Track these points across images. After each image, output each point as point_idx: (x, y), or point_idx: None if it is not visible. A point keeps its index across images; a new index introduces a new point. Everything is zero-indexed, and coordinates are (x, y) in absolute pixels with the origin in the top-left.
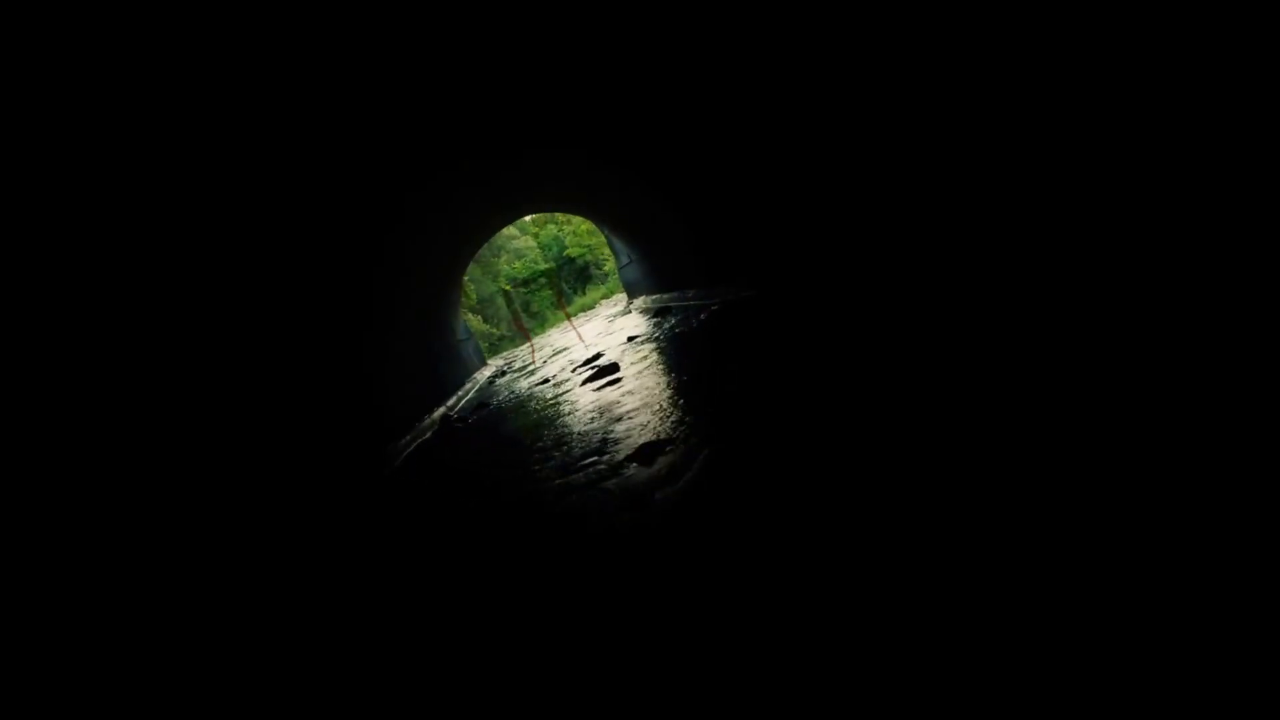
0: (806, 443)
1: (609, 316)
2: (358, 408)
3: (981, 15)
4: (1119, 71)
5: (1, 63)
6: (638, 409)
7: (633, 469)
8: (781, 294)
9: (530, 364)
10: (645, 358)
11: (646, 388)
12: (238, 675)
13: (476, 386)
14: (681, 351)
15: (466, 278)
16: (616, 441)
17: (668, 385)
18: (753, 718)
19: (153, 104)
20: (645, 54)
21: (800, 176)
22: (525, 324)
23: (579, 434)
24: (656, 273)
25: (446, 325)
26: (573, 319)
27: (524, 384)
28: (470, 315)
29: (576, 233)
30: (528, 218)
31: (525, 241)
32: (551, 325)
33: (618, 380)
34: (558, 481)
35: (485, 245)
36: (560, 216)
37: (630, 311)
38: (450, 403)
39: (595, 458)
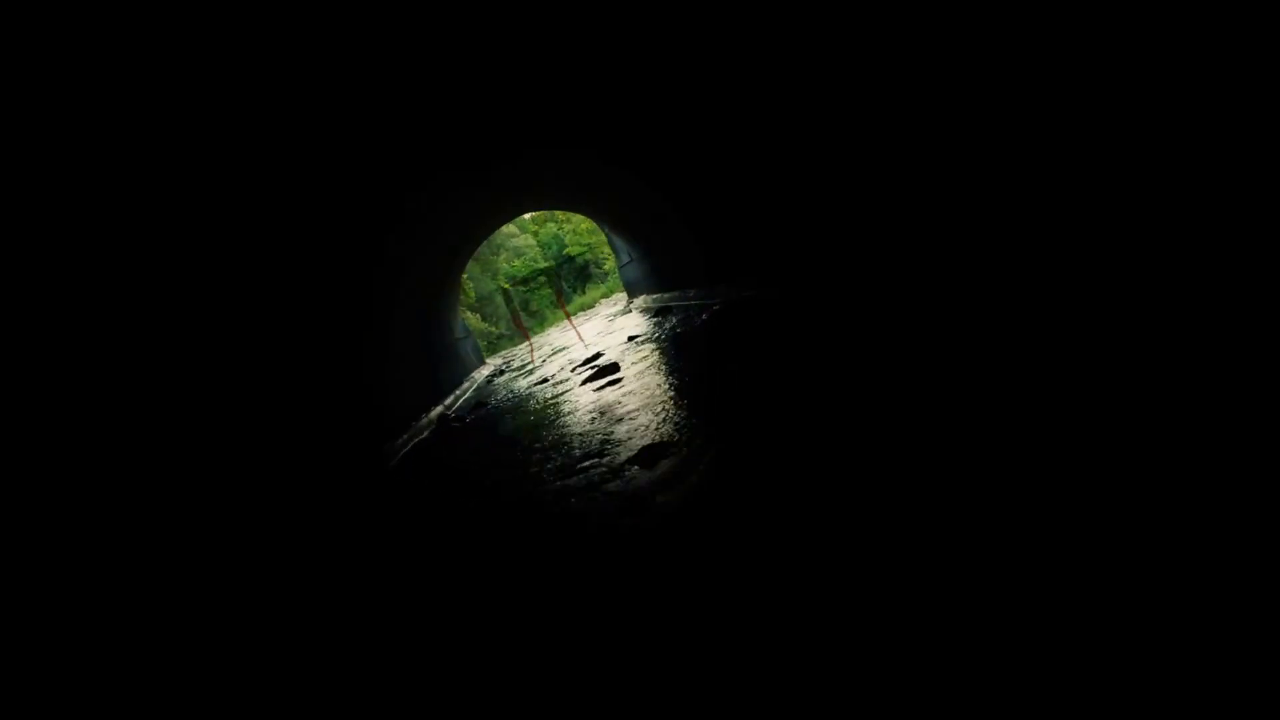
0: (813, 447)
1: (609, 316)
2: (353, 407)
3: (997, 14)
4: (1134, 78)
5: (3, 62)
6: (639, 410)
7: (634, 472)
8: (785, 294)
9: (529, 363)
10: (646, 358)
11: (648, 388)
12: (233, 674)
13: (475, 385)
14: (683, 352)
15: (465, 275)
16: (617, 443)
17: (669, 386)
18: None
19: (150, 102)
20: (647, 49)
21: (805, 175)
22: (524, 323)
23: (578, 435)
24: (657, 272)
25: (445, 323)
26: (572, 318)
27: (523, 383)
28: (469, 313)
29: (576, 231)
30: (527, 215)
31: (525, 239)
32: (551, 324)
33: (618, 380)
34: (557, 484)
35: (484, 243)
36: (560, 214)
37: (630, 311)
38: (448, 402)
39: (595, 460)
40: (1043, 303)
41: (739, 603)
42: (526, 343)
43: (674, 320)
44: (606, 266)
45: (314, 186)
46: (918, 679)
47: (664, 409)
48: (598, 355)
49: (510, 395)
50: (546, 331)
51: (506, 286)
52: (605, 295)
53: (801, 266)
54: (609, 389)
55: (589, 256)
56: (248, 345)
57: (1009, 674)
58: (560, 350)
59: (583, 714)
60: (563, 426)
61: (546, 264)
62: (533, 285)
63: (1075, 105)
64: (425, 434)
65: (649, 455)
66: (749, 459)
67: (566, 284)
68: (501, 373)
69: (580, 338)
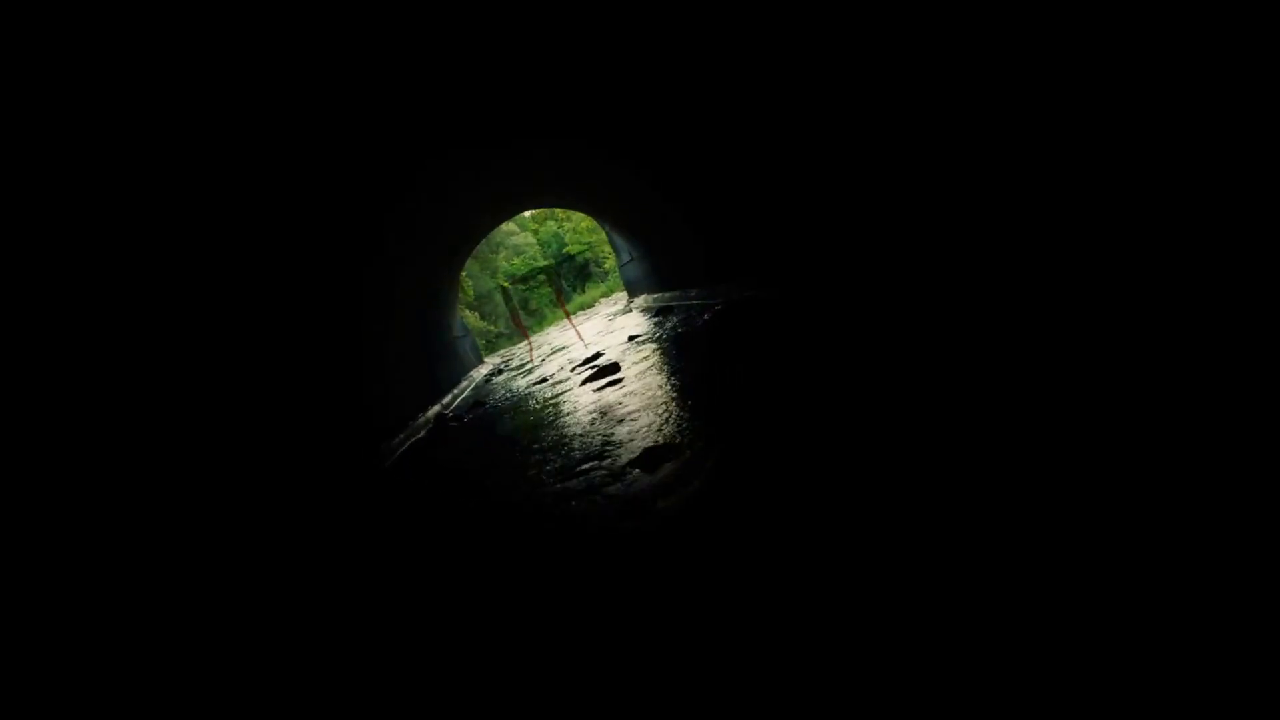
0: (820, 452)
1: (609, 315)
2: (349, 406)
3: (997, 15)
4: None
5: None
6: (640, 411)
7: (635, 475)
8: (789, 294)
9: (528, 362)
10: (647, 358)
11: (649, 389)
12: (222, 677)
13: (473, 384)
14: (685, 352)
15: (464, 273)
16: (617, 445)
17: (671, 387)
18: None
19: (132, 92)
20: (650, 40)
21: (809, 174)
22: (523, 321)
23: (578, 436)
24: (658, 271)
25: (443, 322)
26: (571, 317)
27: (521, 382)
28: (467, 312)
29: (577, 230)
30: (527, 213)
31: (524, 238)
32: (550, 323)
33: (619, 381)
34: (556, 487)
35: (483, 241)
36: (560, 213)
37: (631, 310)
38: (446, 401)
39: (595, 462)
40: (1045, 302)
41: (742, 613)
42: (526, 342)
43: (675, 320)
44: (607, 265)
45: (307, 178)
46: (921, 687)
47: (666, 410)
48: (598, 355)
49: (509, 395)
50: (546, 330)
51: (506, 285)
52: (605, 294)
53: (806, 266)
54: (609, 389)
55: (589, 255)
56: (237, 342)
57: (1019, 688)
58: (560, 349)
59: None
60: (562, 427)
61: (546, 262)
62: (532, 284)
63: (1074, 106)
64: (422, 433)
65: (650, 458)
66: (753, 464)
67: (566, 283)
68: (500, 372)
69: (580, 337)
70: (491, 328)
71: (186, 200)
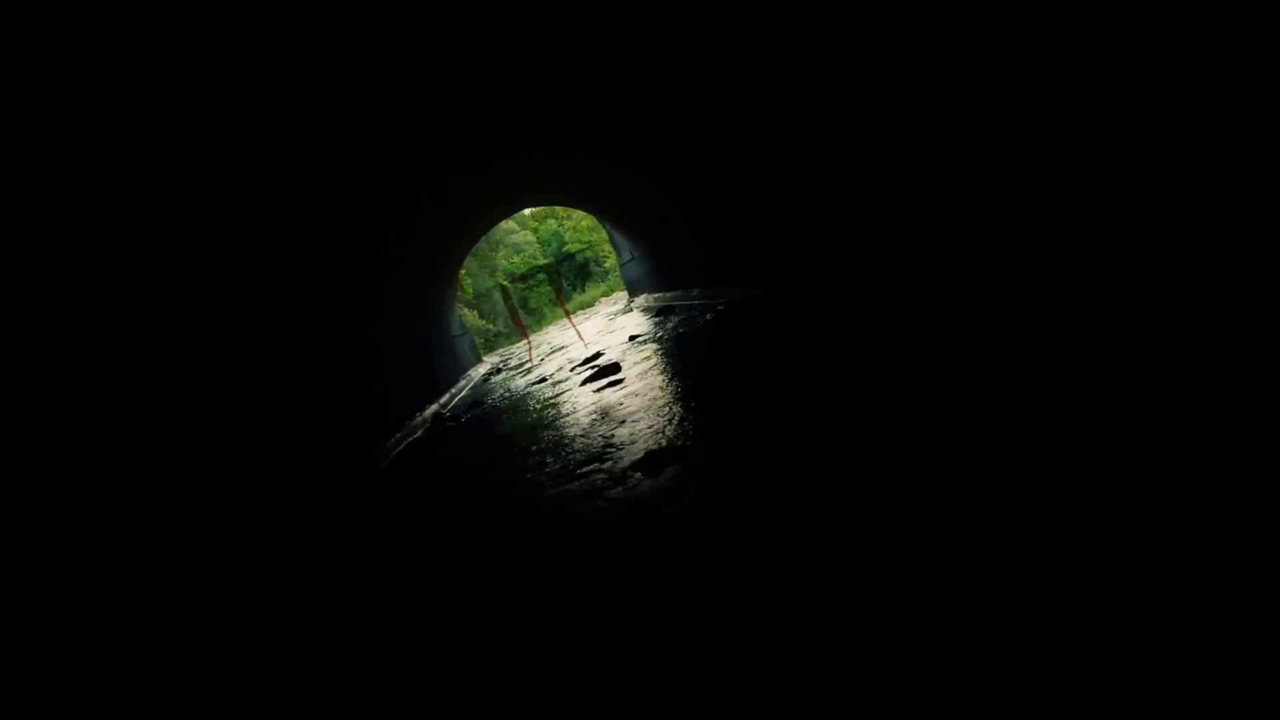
0: (829, 458)
1: (609, 315)
2: (346, 406)
3: (997, 16)
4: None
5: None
6: (641, 413)
7: (636, 479)
8: (793, 295)
9: (527, 362)
10: (648, 358)
11: (650, 390)
12: (218, 676)
13: (471, 384)
14: (687, 353)
15: (463, 271)
16: (618, 447)
17: (674, 389)
18: None
19: (134, 92)
20: (652, 36)
21: (813, 173)
22: (523, 320)
23: (578, 438)
24: (660, 270)
25: (441, 320)
26: (571, 316)
27: (520, 382)
28: (466, 310)
29: (577, 228)
30: (527, 211)
31: (524, 236)
32: (550, 322)
33: (619, 381)
34: (554, 491)
35: (483, 239)
36: (561, 211)
37: (631, 310)
38: (443, 400)
39: (595, 465)
40: (1046, 301)
41: (749, 626)
42: (525, 341)
43: (676, 320)
44: (607, 264)
45: (308, 179)
46: (927, 699)
47: (668, 412)
48: (598, 355)
49: (507, 394)
50: (545, 330)
51: (505, 283)
52: (605, 294)
53: (811, 266)
54: (610, 390)
55: (589, 254)
56: (233, 339)
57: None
58: (559, 349)
59: None
60: (561, 428)
61: (546, 261)
62: (531, 282)
63: (1073, 107)
64: (419, 433)
65: (653, 461)
66: (760, 469)
67: (566, 282)
68: (499, 371)
69: (580, 336)
70: (490, 326)
71: (185, 199)
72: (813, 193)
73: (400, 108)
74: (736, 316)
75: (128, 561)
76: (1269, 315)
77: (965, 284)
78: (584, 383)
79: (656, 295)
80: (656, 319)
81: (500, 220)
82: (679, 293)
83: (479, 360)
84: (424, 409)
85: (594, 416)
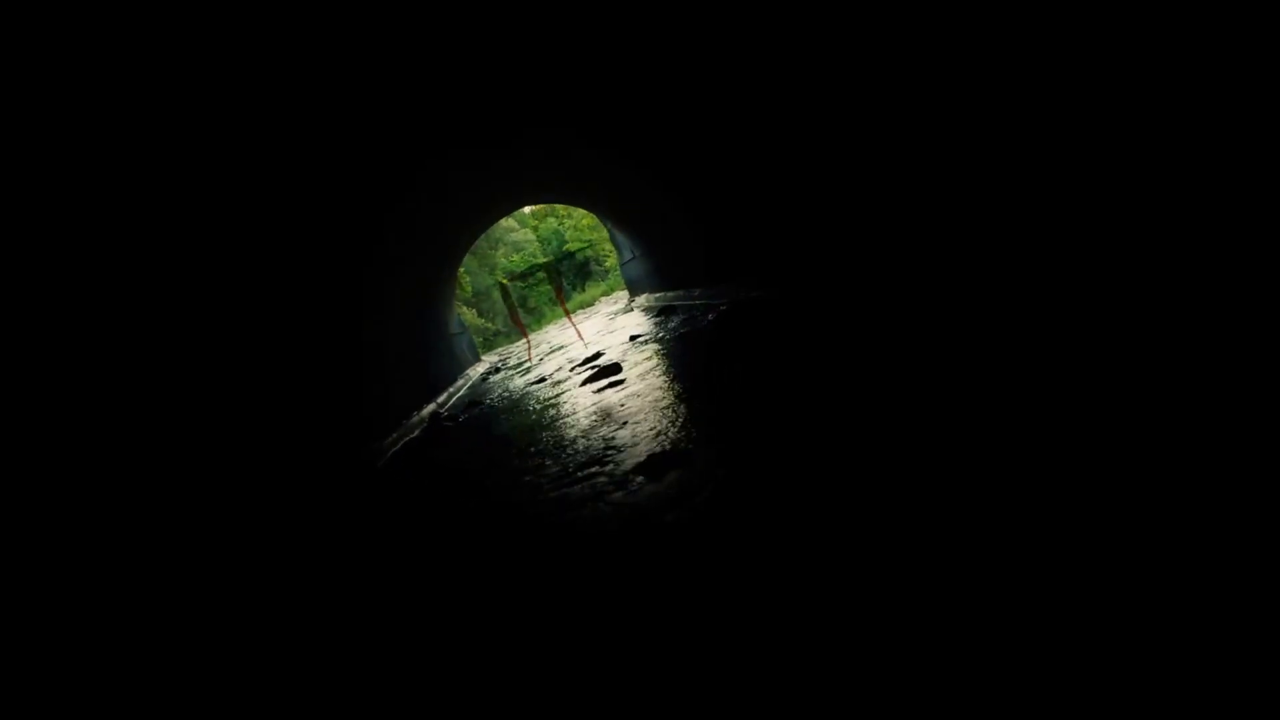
0: (838, 464)
1: (609, 314)
2: (344, 405)
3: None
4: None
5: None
6: (643, 415)
7: (639, 483)
8: (799, 295)
9: (526, 361)
10: (649, 359)
11: (652, 391)
12: (213, 677)
13: (469, 383)
14: (689, 353)
15: (462, 269)
16: (619, 449)
17: (676, 390)
18: None
19: (136, 93)
20: (654, 39)
21: (817, 172)
22: (522, 320)
23: (578, 439)
24: (661, 270)
25: (440, 318)
26: (571, 316)
27: (519, 382)
28: (465, 309)
29: (577, 227)
30: (527, 209)
31: (524, 234)
32: (549, 321)
33: (620, 382)
34: (554, 494)
35: (482, 237)
36: (561, 209)
37: (632, 310)
38: (441, 399)
39: (596, 467)
40: (1049, 302)
41: (759, 642)
42: (524, 340)
43: (678, 320)
44: (608, 264)
45: (309, 181)
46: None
47: (671, 415)
48: (598, 355)
49: (506, 394)
50: (545, 329)
51: (504, 281)
52: (605, 293)
53: (816, 266)
54: (610, 390)
55: (590, 253)
56: (230, 336)
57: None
58: (559, 349)
59: None
60: (561, 429)
61: (546, 259)
62: (531, 281)
63: (1073, 108)
64: (416, 433)
65: (655, 465)
66: (767, 476)
67: (566, 281)
68: (497, 370)
69: (580, 336)
70: (489, 325)
71: (186, 200)
72: (818, 192)
73: (400, 109)
74: (741, 317)
75: (127, 557)
76: (1266, 314)
77: (969, 284)
78: (584, 383)
79: (657, 295)
80: (657, 319)
81: (500, 218)
82: (680, 292)
83: (477, 359)
84: (421, 408)
85: (595, 418)
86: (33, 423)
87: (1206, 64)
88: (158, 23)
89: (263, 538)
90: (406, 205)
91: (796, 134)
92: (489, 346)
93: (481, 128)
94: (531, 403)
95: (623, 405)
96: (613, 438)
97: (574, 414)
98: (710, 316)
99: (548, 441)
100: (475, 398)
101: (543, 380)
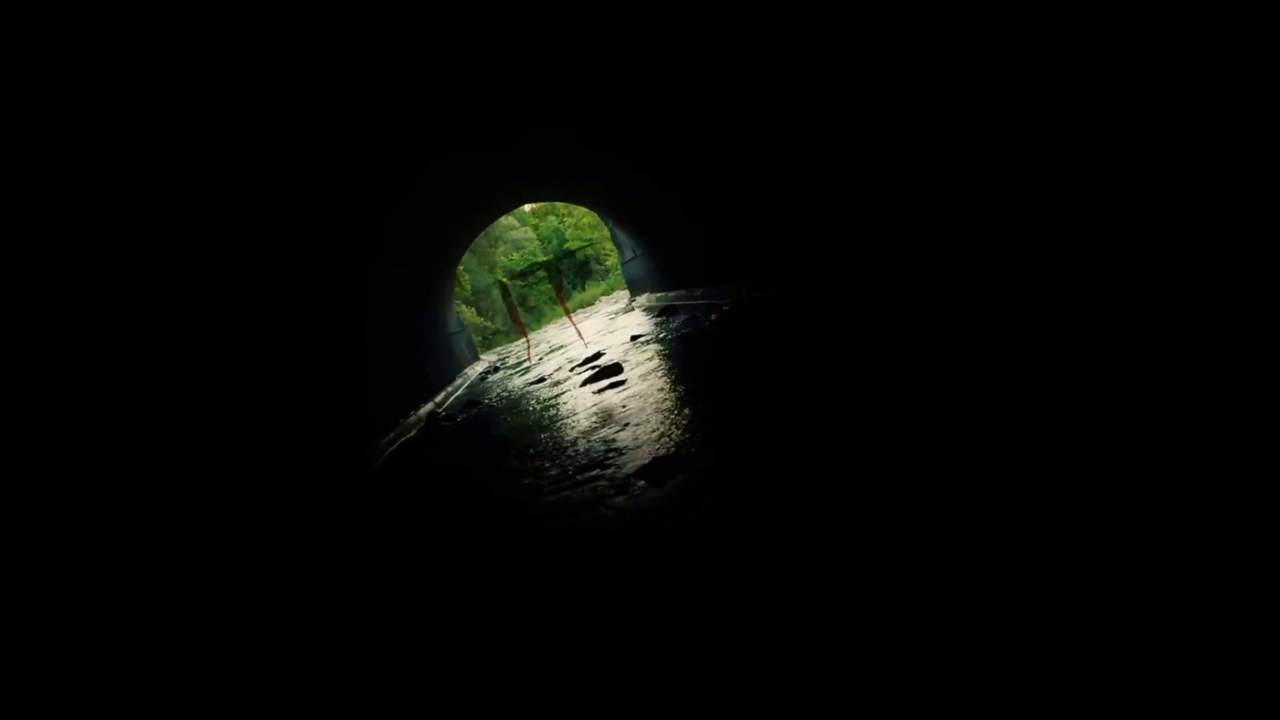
0: (846, 469)
1: (609, 314)
2: (340, 404)
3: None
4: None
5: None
6: (645, 417)
7: (640, 487)
8: (803, 296)
9: (525, 361)
10: (651, 359)
11: (654, 393)
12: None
13: (467, 383)
14: (691, 354)
15: (461, 267)
16: (621, 452)
17: (679, 392)
18: None
19: (134, 92)
20: (656, 38)
21: (823, 171)
22: (521, 319)
23: (579, 441)
24: (663, 270)
25: (438, 316)
26: (571, 315)
27: (518, 381)
28: (464, 307)
29: (578, 225)
30: (527, 207)
31: (524, 232)
32: (549, 321)
33: (621, 383)
34: (553, 498)
35: (482, 235)
36: (562, 207)
37: (633, 309)
38: (439, 399)
39: (597, 471)
40: (1051, 303)
41: (762, 651)
42: (523, 339)
43: (679, 320)
44: (609, 263)
45: (309, 182)
46: None
47: (673, 418)
48: (599, 355)
49: (505, 394)
50: (544, 328)
51: (504, 280)
52: (606, 292)
53: (821, 266)
54: (611, 391)
55: (590, 252)
56: (228, 334)
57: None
58: (558, 348)
59: None
60: (561, 431)
61: (546, 258)
62: (531, 280)
63: (1074, 110)
64: (413, 432)
65: (658, 469)
66: (773, 481)
67: (566, 280)
68: (496, 370)
69: (580, 335)
70: (488, 324)
71: (187, 200)
72: (823, 191)
73: (401, 110)
74: (744, 317)
75: (126, 557)
76: (1264, 315)
77: (973, 285)
78: (584, 383)
79: (659, 294)
80: (659, 319)
81: (501, 215)
82: (682, 292)
83: (476, 358)
84: (419, 408)
85: (595, 419)
86: (32, 422)
87: (1204, 67)
88: (157, 19)
89: (258, 537)
90: (405, 204)
91: (801, 133)
92: (488, 345)
93: (482, 128)
94: (531, 403)
95: (624, 407)
96: (614, 440)
97: (574, 415)
98: (713, 317)
99: (547, 443)
100: (473, 397)
101: (542, 380)
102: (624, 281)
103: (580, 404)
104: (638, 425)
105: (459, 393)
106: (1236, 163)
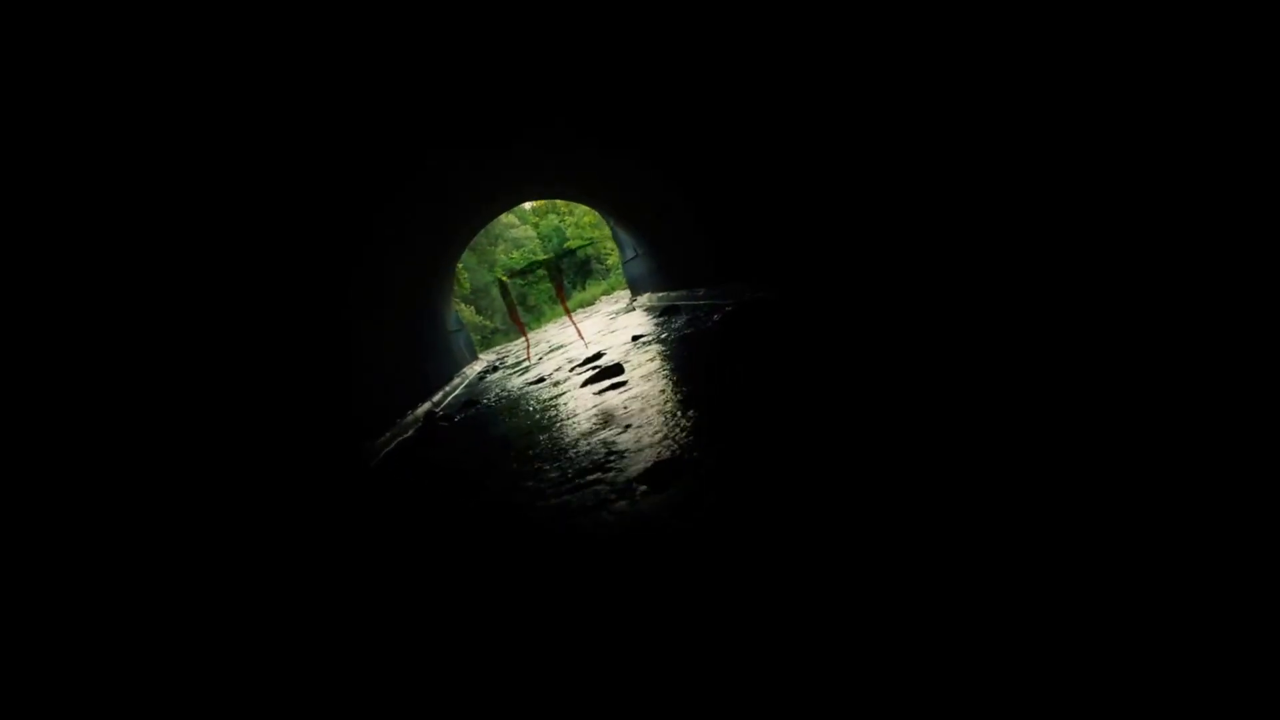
0: (852, 473)
1: (610, 314)
2: (336, 403)
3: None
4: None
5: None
6: (646, 420)
7: (642, 492)
8: (807, 297)
9: (525, 360)
10: (652, 360)
11: (656, 394)
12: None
13: (466, 382)
14: (694, 355)
15: (460, 265)
16: (622, 455)
17: (681, 394)
18: None
19: (130, 90)
20: (659, 33)
21: (828, 171)
22: (521, 318)
23: (578, 443)
24: (664, 269)
25: (437, 315)
26: (572, 314)
27: (517, 381)
28: (462, 306)
29: (579, 224)
30: (527, 205)
31: (524, 231)
32: (549, 320)
33: (622, 384)
34: (552, 502)
35: (482, 233)
36: (562, 206)
37: (634, 309)
38: (436, 399)
39: (598, 474)
40: (1053, 304)
41: (765, 661)
42: (523, 339)
43: (681, 320)
44: (609, 262)
45: (302, 178)
46: None
47: (676, 420)
48: (599, 355)
49: (504, 394)
50: (544, 327)
51: (504, 278)
52: (606, 292)
53: (827, 268)
54: (612, 392)
55: (591, 251)
56: (218, 331)
57: None
58: (558, 348)
59: None
60: (561, 432)
61: (546, 256)
62: (531, 278)
63: (1075, 111)
64: (410, 433)
65: (659, 473)
66: (779, 486)
67: (566, 279)
68: (495, 369)
69: (580, 335)
70: (487, 323)
71: (181, 196)
72: (828, 191)
73: (399, 110)
74: (747, 318)
75: (123, 557)
76: (1264, 316)
77: (979, 287)
78: (585, 384)
79: (660, 294)
80: (660, 319)
81: (502, 212)
82: (684, 292)
83: (475, 357)
84: (416, 407)
85: (596, 421)
86: (31, 424)
87: (1203, 68)
88: (160, 22)
89: (251, 540)
90: (402, 202)
91: (806, 132)
92: (487, 344)
93: (482, 129)
94: (530, 403)
95: (625, 408)
96: (614, 442)
97: (574, 416)
98: (715, 317)
99: (546, 445)
100: (472, 397)
101: (542, 380)
102: (625, 281)
103: (580, 405)
104: (639, 427)
105: (457, 392)
106: (1234, 165)
